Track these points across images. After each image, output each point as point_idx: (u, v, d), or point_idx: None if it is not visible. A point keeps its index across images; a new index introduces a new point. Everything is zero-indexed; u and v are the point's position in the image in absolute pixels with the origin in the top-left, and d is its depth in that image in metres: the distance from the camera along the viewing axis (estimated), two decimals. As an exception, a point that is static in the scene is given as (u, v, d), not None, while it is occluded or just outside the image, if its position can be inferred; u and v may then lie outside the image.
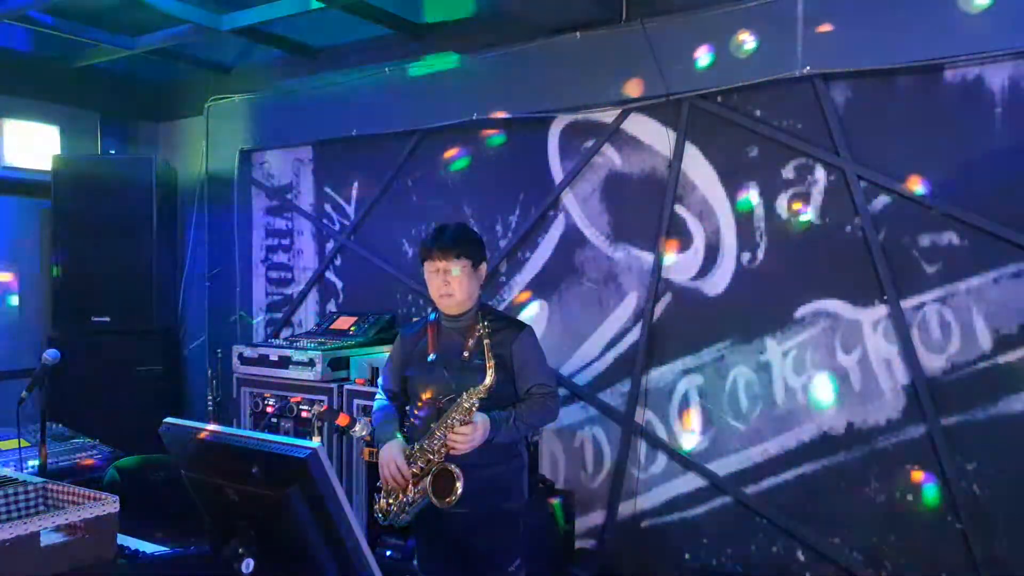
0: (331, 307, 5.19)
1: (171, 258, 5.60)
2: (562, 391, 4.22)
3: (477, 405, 2.56)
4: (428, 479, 2.56)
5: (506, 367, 2.70)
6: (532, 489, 3.14)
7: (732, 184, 3.81)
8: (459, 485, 2.52)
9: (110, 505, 2.05)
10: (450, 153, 4.66)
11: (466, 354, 2.70)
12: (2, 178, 5.25)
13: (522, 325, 2.82)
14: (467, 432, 2.54)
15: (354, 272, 5.10)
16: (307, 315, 5.33)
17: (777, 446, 3.68)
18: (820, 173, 3.60)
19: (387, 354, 4.32)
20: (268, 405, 4.38)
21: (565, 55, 4.14)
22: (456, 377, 2.68)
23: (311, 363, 4.21)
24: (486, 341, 2.58)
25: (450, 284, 2.71)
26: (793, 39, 3.55)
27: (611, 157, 4.13)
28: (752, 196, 3.75)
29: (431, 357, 2.75)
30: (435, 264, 2.72)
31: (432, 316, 2.87)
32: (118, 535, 2.09)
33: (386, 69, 4.74)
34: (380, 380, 3.01)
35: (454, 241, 2.73)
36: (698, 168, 3.89)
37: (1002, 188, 3.21)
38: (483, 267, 2.81)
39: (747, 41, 3.67)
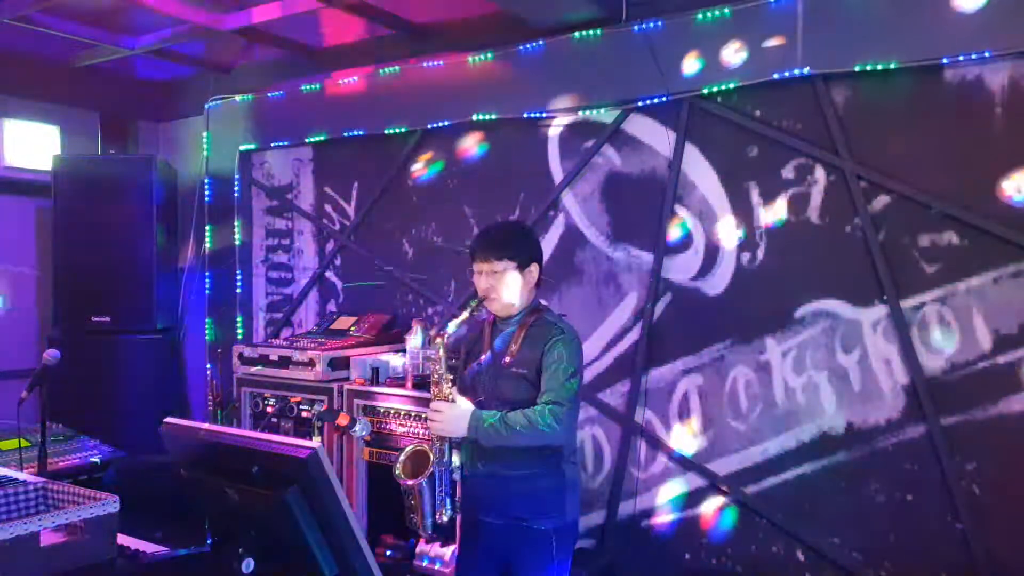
0: (331, 307, 5.19)
1: (171, 258, 5.59)
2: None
3: (451, 379, 2.57)
4: (402, 457, 2.58)
5: (532, 376, 2.60)
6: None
7: (732, 184, 3.81)
8: (431, 463, 2.55)
9: (110, 505, 2.05)
10: (450, 153, 4.66)
11: (508, 359, 2.62)
12: (2, 178, 5.25)
13: (563, 330, 2.64)
14: (440, 409, 2.54)
15: (354, 272, 5.10)
16: (307, 315, 5.33)
17: (777, 446, 3.69)
18: (820, 173, 3.60)
19: (386, 354, 4.35)
20: (268, 405, 4.38)
21: (565, 55, 4.14)
22: (495, 383, 2.63)
23: (311, 363, 4.21)
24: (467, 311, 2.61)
25: (492, 287, 2.63)
26: (793, 39, 3.56)
27: (611, 157, 4.13)
28: (752, 196, 3.76)
29: (484, 357, 2.71)
30: (478, 265, 2.66)
31: (484, 314, 2.80)
32: (118, 535, 2.09)
33: (386, 69, 4.74)
34: None
35: (494, 242, 2.66)
36: (698, 168, 3.89)
37: (1002, 188, 3.21)
38: (534, 268, 2.70)
39: (747, 41, 3.68)
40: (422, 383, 3.83)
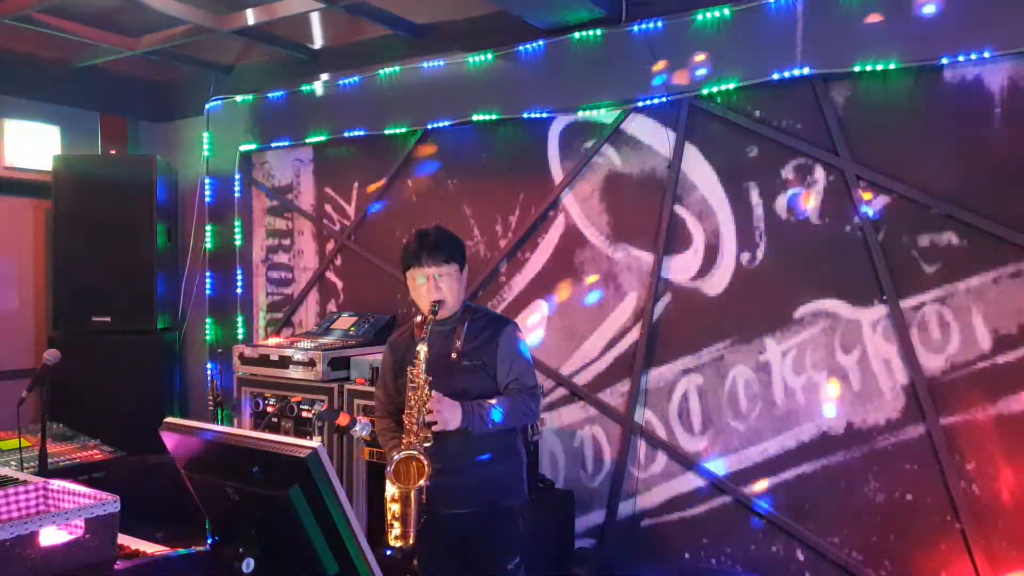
0: (331, 307, 5.19)
1: (171, 258, 5.60)
2: (562, 391, 4.22)
3: (429, 379, 2.54)
4: (391, 467, 2.55)
5: (489, 366, 2.68)
6: (532, 488, 3.12)
7: (732, 184, 3.81)
8: (426, 465, 2.51)
9: (110, 505, 2.04)
10: (450, 153, 4.66)
11: (454, 355, 2.69)
12: (2, 178, 5.25)
13: (507, 321, 2.80)
14: (436, 409, 2.52)
15: (354, 272, 5.10)
16: (307, 315, 5.33)
17: (777, 446, 3.69)
18: (820, 173, 3.60)
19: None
20: (268, 405, 4.38)
21: (565, 55, 4.14)
22: (445, 380, 2.64)
23: (311, 363, 4.21)
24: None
25: (441, 290, 2.67)
26: (793, 39, 3.56)
27: (611, 157, 4.13)
28: (752, 196, 3.76)
29: (425, 362, 2.69)
30: (424, 271, 2.68)
31: (419, 319, 2.80)
32: (118, 535, 2.09)
33: (386, 69, 4.74)
34: (378, 396, 2.94)
35: (441, 247, 2.69)
36: (698, 168, 3.89)
37: (1002, 188, 3.22)
38: (466, 270, 2.79)
39: (746, 41, 3.68)
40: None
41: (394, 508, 2.62)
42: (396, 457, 2.56)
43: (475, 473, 2.64)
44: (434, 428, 2.55)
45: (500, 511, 2.70)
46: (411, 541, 2.63)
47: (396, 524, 2.62)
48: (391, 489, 2.61)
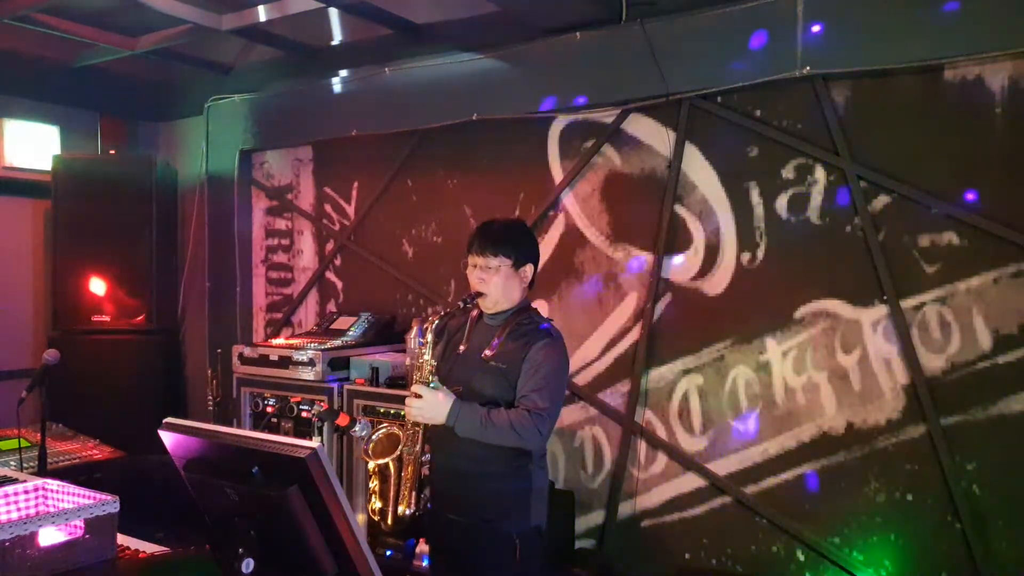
0: (331, 307, 5.19)
1: (171, 258, 5.59)
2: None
3: (433, 365, 2.55)
4: (373, 437, 2.63)
5: (511, 374, 2.55)
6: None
7: (732, 184, 3.81)
8: (399, 439, 2.60)
9: (110, 505, 2.05)
10: (450, 153, 4.66)
11: (488, 352, 2.59)
12: (2, 178, 5.25)
13: (548, 334, 2.60)
14: (420, 393, 2.49)
15: (354, 272, 5.10)
16: (307, 315, 5.33)
17: (777, 446, 3.69)
18: (820, 173, 3.60)
19: (386, 354, 4.35)
20: (268, 405, 4.38)
21: (565, 55, 4.14)
22: (469, 375, 2.59)
23: (311, 363, 4.21)
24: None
25: (484, 282, 2.60)
26: (793, 39, 3.55)
27: (611, 157, 4.13)
28: (752, 196, 3.76)
29: (462, 349, 2.68)
30: (473, 259, 2.63)
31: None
32: (118, 535, 2.09)
33: (386, 69, 4.74)
34: None
35: (494, 238, 2.62)
36: (698, 168, 3.90)
37: (1002, 188, 3.21)
38: (528, 268, 2.67)
39: (746, 41, 3.67)
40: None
41: (371, 485, 2.66)
42: (376, 435, 2.59)
43: (475, 484, 2.56)
44: (406, 414, 2.54)
45: (495, 534, 2.54)
46: (390, 522, 2.64)
47: (375, 499, 2.66)
48: (370, 464, 2.66)
